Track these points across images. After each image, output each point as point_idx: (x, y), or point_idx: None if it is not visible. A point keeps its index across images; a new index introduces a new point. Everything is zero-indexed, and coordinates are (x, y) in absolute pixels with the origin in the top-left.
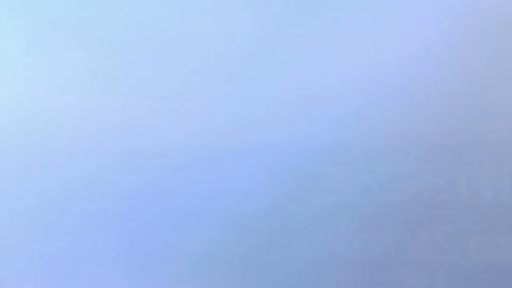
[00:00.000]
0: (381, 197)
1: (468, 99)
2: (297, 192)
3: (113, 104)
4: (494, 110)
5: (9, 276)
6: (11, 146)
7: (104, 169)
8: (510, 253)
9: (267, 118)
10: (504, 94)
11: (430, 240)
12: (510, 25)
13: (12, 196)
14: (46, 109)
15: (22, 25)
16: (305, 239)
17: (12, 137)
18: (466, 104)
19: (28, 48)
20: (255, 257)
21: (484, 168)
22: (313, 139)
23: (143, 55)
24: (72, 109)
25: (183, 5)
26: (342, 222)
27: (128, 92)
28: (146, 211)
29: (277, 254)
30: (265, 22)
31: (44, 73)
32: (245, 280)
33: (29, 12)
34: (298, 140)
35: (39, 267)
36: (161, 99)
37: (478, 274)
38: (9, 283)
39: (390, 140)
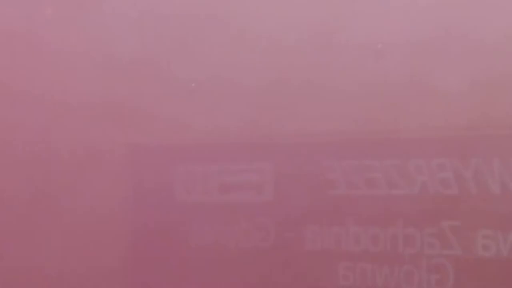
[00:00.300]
0: (388, 191)
1: (479, 94)
2: (305, 186)
3: None
4: (502, 106)
5: None
6: None
7: None
8: None
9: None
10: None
11: (437, 234)
12: None
13: None
14: None
15: None
16: (313, 233)
17: None
18: (475, 98)
19: None
20: (263, 254)
21: (491, 162)
22: (322, 133)
23: None
24: None
25: None
26: (350, 216)
27: None
28: None
29: (283, 248)
30: None
31: None
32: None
33: None
34: (307, 134)
35: None
36: None
37: (485, 269)
38: None
39: (397, 134)
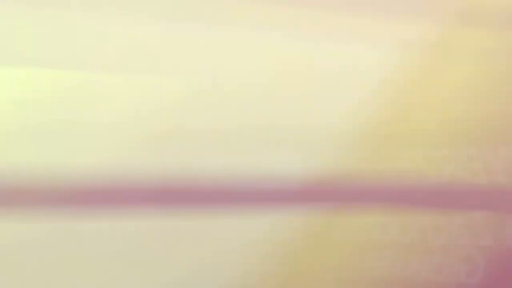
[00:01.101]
0: (417, 181)
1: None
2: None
3: None
4: None
5: None
6: None
7: None
8: None
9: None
10: None
11: (467, 224)
12: None
13: None
14: None
15: None
16: (342, 225)
17: None
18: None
19: None
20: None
21: None
22: (346, 123)
23: None
24: None
25: None
26: (379, 207)
27: None
28: None
29: (310, 237)
30: None
31: None
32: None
33: None
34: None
35: None
36: None
37: None
38: None
39: (426, 124)
